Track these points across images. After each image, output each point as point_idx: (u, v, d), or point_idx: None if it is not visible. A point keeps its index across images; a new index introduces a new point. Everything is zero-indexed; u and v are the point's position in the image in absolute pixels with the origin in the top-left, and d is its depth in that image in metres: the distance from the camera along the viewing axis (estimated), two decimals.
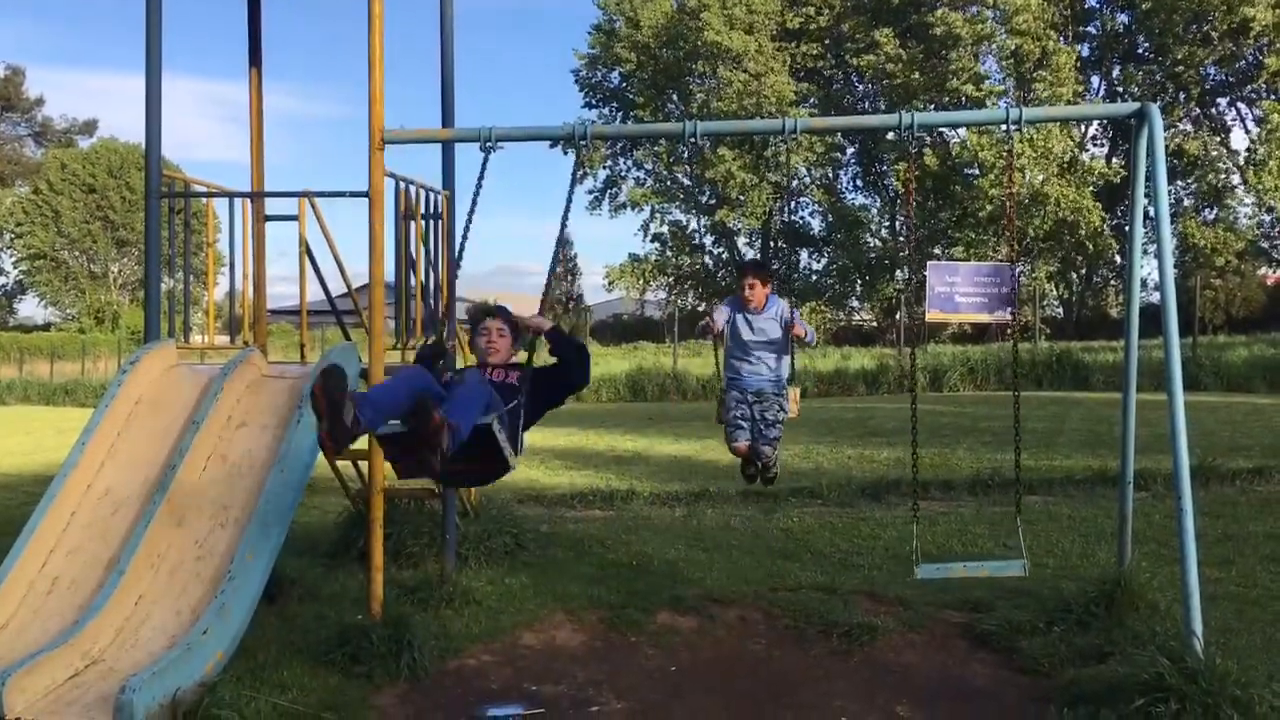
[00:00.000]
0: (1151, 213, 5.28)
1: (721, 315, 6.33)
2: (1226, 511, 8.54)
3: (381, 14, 5.72)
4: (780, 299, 6.40)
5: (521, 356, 5.06)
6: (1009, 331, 31.51)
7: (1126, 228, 5.65)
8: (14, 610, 4.87)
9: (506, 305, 5.33)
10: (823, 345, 39.29)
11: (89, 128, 48.72)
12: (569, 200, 5.50)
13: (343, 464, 7.27)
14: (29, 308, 72.81)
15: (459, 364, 6.42)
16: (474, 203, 5.34)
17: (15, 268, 67.96)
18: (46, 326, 65.44)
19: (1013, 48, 39.12)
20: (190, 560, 5.02)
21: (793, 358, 6.33)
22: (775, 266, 7.61)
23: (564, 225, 5.52)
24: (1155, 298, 5.22)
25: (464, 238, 5.34)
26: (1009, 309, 26.57)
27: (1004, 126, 5.24)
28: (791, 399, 6.27)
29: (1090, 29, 44.07)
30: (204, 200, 7.39)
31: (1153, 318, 5.24)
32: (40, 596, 4.96)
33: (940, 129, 38.94)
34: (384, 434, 4.39)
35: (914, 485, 5.77)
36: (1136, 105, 5.14)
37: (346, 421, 4.01)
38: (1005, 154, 6.05)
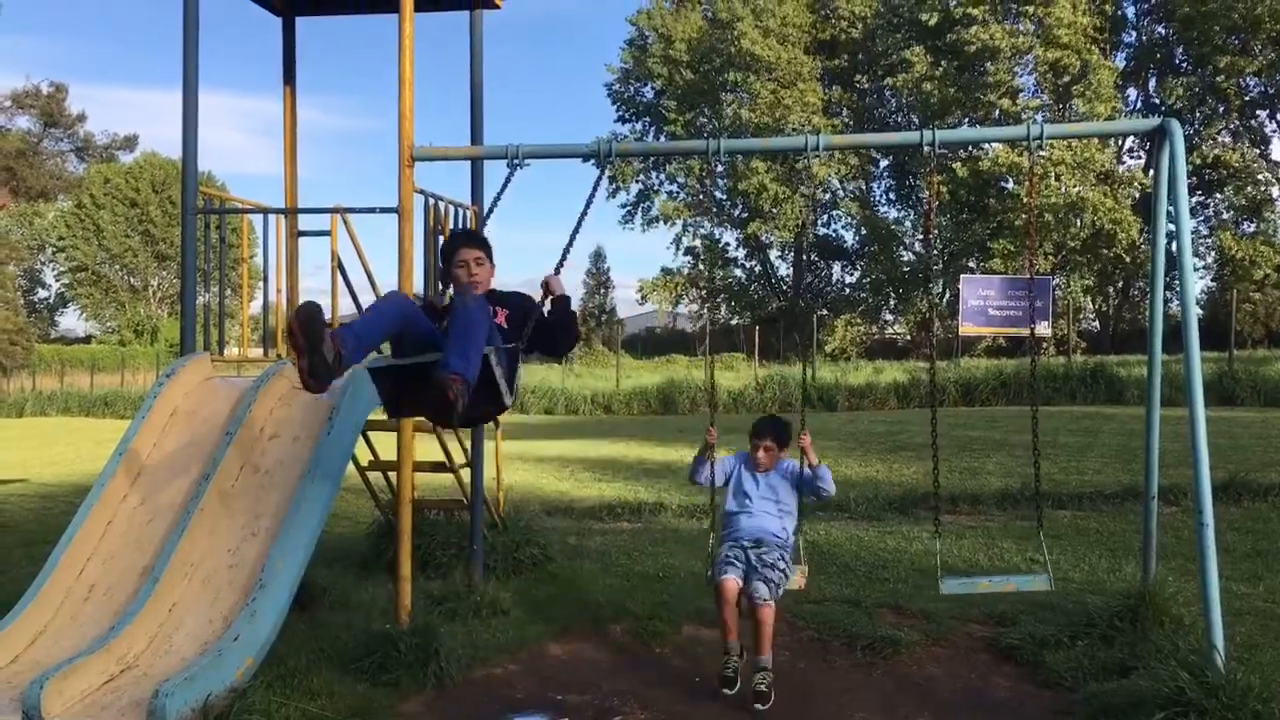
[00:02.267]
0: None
1: (722, 466, 5.73)
2: (1258, 527, 8.48)
3: (412, 34, 5.84)
4: (792, 459, 5.72)
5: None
6: (1042, 345, 31.33)
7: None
8: (52, 616, 5.00)
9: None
10: (855, 358, 39.22)
11: (130, 143, 49.48)
12: (589, 199, 5.34)
13: (373, 475, 7.39)
14: (70, 320, 73.93)
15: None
16: (489, 213, 5.42)
17: (57, 281, 69.12)
18: (87, 339, 66.45)
19: (1051, 61, 38.88)
20: (223, 568, 5.13)
21: (799, 537, 5.58)
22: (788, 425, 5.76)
23: (584, 213, 5.31)
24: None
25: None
26: (1044, 322, 26.56)
27: (1027, 142, 5.25)
28: (799, 573, 5.43)
29: (1126, 38, 43.81)
30: (240, 215, 7.55)
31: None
32: (78, 603, 5.08)
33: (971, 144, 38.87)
34: (377, 367, 4.24)
35: (935, 500, 5.75)
36: (1158, 121, 5.14)
37: (328, 357, 3.76)
38: (1029, 171, 6.03)
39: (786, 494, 5.61)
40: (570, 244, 5.23)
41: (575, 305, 5.12)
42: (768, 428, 5.75)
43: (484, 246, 4.97)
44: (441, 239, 6.84)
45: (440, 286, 5.35)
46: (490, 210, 5.45)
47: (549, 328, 4.84)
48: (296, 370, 3.81)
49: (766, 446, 5.67)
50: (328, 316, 4.38)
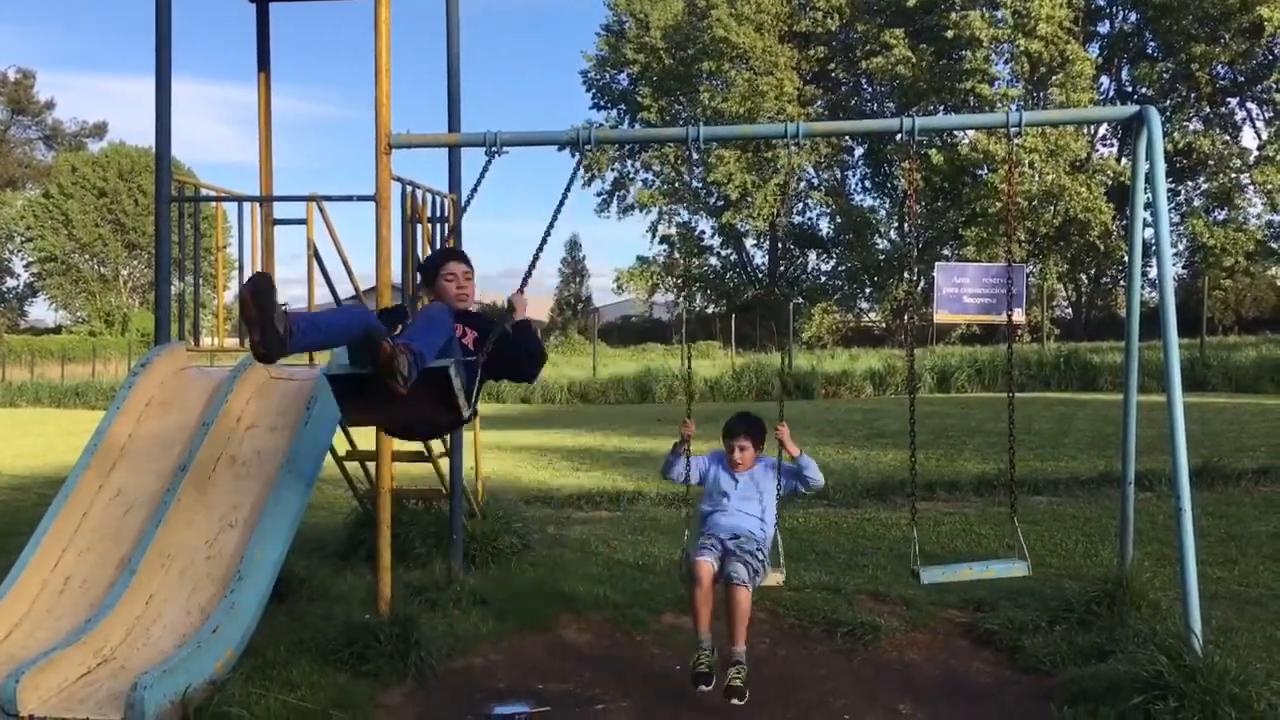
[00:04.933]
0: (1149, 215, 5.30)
1: (698, 465, 5.56)
2: (1231, 512, 8.57)
3: (388, 20, 5.78)
4: (770, 456, 5.56)
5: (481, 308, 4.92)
6: (1017, 331, 31.53)
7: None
8: (27, 609, 4.94)
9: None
10: (831, 346, 39.34)
11: (99, 131, 49.08)
12: (564, 195, 5.27)
13: (351, 465, 7.34)
14: (39, 310, 73.17)
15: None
16: (468, 202, 5.39)
17: (26, 271, 68.30)
18: (57, 329, 65.76)
19: (1028, 51, 39.02)
20: (200, 560, 5.09)
21: (778, 540, 5.45)
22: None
23: (556, 215, 5.30)
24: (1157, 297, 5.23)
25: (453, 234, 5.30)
26: (1016, 309, 26.72)
27: (1006, 130, 5.27)
28: (776, 574, 5.34)
29: (1099, 29, 44.07)
30: (213, 204, 7.47)
31: (1158, 318, 5.25)
32: (53, 595, 5.03)
33: (949, 131, 39.06)
34: (336, 374, 4.24)
35: (912, 490, 5.78)
36: (1136, 109, 5.17)
37: (279, 328, 3.71)
38: (1008, 158, 6.02)
39: (768, 492, 5.42)
40: (540, 250, 5.11)
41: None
42: (740, 427, 5.51)
43: (466, 259, 4.93)
44: (419, 228, 6.81)
45: (416, 293, 5.28)
46: (470, 198, 5.42)
47: (513, 352, 4.68)
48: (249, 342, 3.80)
49: (741, 446, 5.46)
50: (303, 306, 4.38)
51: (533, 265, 5.10)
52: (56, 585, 5.07)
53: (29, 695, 4.17)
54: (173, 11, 6.44)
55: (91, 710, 4.19)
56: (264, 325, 3.68)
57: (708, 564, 4.97)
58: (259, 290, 3.70)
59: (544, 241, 5.13)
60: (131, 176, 61.72)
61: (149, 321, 8.16)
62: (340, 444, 6.86)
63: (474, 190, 5.38)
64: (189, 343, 6.78)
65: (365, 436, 6.62)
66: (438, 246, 7.09)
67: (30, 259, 66.27)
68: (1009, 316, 5.98)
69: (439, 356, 4.17)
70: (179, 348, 6.30)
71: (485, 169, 5.35)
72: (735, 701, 4.72)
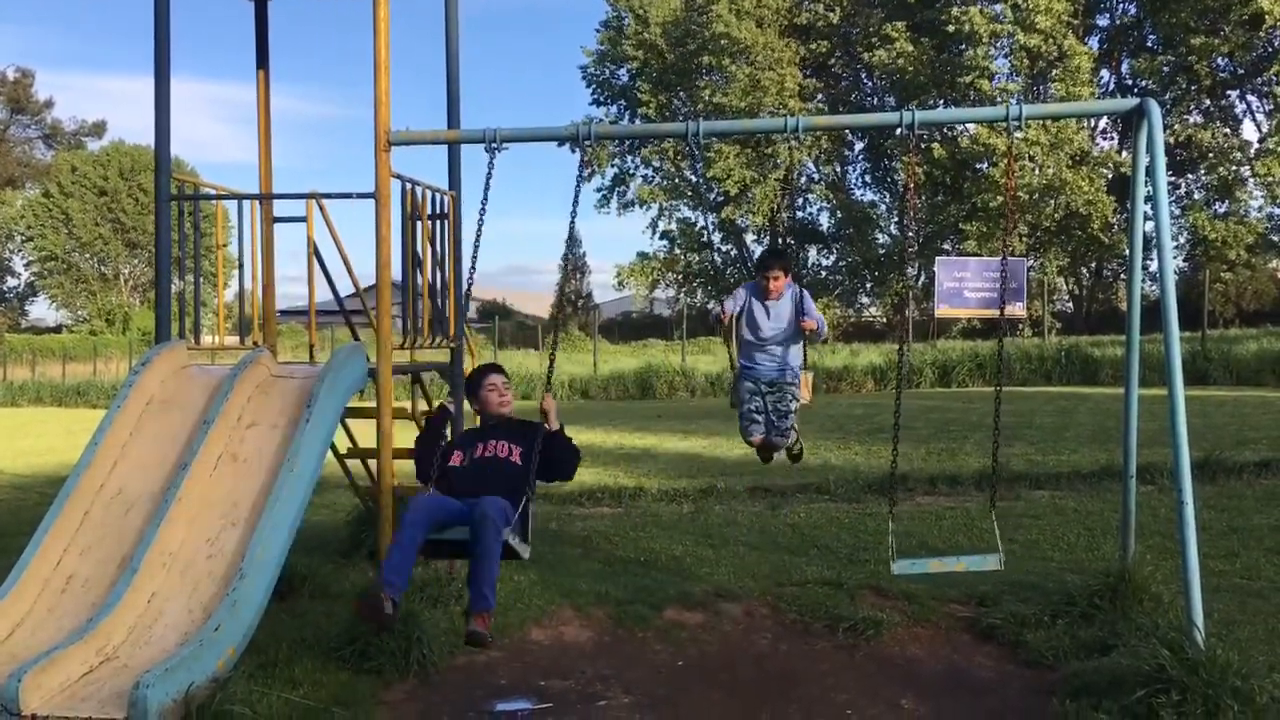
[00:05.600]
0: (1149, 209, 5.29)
1: (734, 303, 6.22)
2: (1232, 505, 8.57)
3: (387, 18, 5.77)
4: (795, 284, 6.29)
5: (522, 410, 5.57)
6: (1018, 326, 31.49)
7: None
8: (29, 608, 4.94)
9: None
10: (832, 341, 39.31)
11: (98, 130, 49.07)
12: (575, 202, 5.46)
13: (353, 462, 7.34)
14: (40, 310, 73.19)
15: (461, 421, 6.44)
16: (483, 206, 5.42)
17: (27, 270, 68.33)
18: (58, 329, 65.77)
19: (1028, 45, 38.96)
20: (202, 558, 5.08)
21: (805, 343, 6.30)
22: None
23: (572, 225, 5.55)
24: (1158, 291, 5.23)
25: (475, 244, 5.49)
26: (1018, 303, 26.65)
27: (1006, 123, 5.26)
28: (804, 384, 6.20)
29: (1099, 22, 43.98)
30: (214, 203, 7.47)
31: (1159, 311, 5.25)
32: (55, 594, 5.02)
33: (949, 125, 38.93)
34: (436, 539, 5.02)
35: (891, 480, 5.95)
36: (1136, 101, 5.16)
37: (387, 615, 4.62)
38: (1008, 151, 6.03)
39: (791, 319, 6.13)
40: (562, 286, 5.29)
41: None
42: (774, 258, 6.33)
43: (504, 372, 5.86)
44: (419, 226, 6.80)
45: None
46: (483, 204, 5.50)
47: (553, 460, 5.36)
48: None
49: (774, 276, 6.13)
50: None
51: (561, 293, 5.52)
52: (58, 584, 5.06)
53: (32, 694, 4.16)
54: (171, 10, 6.44)
55: (94, 709, 4.18)
56: (379, 625, 4.75)
57: (759, 438, 6.19)
58: (371, 618, 4.68)
59: (573, 219, 5.57)
60: (132, 175, 61.73)
61: (150, 320, 8.18)
62: (341, 442, 6.86)
63: (485, 191, 5.46)
64: (189, 341, 6.77)
65: (366, 434, 6.62)
66: (439, 244, 7.10)
67: (30, 258, 66.30)
68: (1001, 310, 6.02)
69: (441, 529, 4.93)
70: (179, 346, 6.29)
71: (490, 167, 5.39)
72: (797, 455, 6.62)
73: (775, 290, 6.14)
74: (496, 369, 5.85)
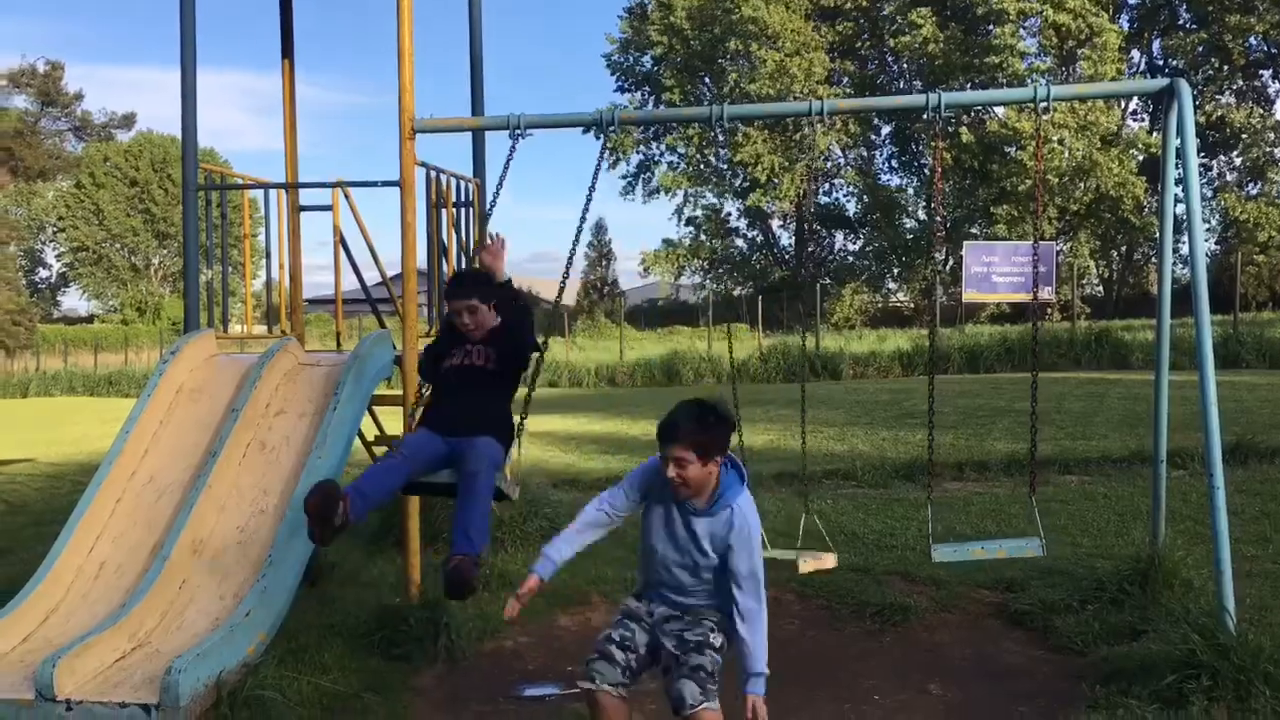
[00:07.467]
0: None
1: (622, 491, 3.87)
2: (1265, 489, 8.46)
3: (410, 7, 5.77)
4: (741, 494, 3.64)
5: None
6: (1047, 310, 31.23)
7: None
8: (63, 595, 5.01)
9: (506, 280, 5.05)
10: (859, 327, 39.12)
11: (128, 121, 49.39)
12: (593, 184, 5.36)
13: (380, 450, 7.37)
14: (72, 300, 73.98)
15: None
16: (497, 189, 5.40)
17: (58, 261, 69.03)
18: (90, 319, 66.46)
19: (1056, 23, 38.56)
20: (232, 545, 5.13)
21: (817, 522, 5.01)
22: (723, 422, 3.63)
23: (587, 206, 5.40)
24: (1189, 274, 5.17)
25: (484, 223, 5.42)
26: (1047, 288, 26.46)
27: (1034, 105, 5.21)
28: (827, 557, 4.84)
29: (1130, 0, 43.46)
30: (241, 192, 7.51)
31: (1190, 294, 5.19)
32: (88, 581, 5.09)
33: (976, 107, 38.61)
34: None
35: (929, 465, 5.81)
36: (1166, 82, 5.09)
37: (335, 523, 4.20)
38: (1036, 133, 5.94)
39: (719, 565, 3.65)
40: (570, 261, 5.43)
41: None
42: (678, 427, 3.54)
43: (477, 289, 4.87)
44: (444, 212, 6.81)
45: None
46: (498, 187, 5.43)
47: (509, 331, 4.86)
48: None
49: (677, 457, 3.51)
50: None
51: (567, 270, 5.43)
52: (91, 571, 5.13)
53: (66, 679, 4.22)
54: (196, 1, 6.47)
55: (127, 693, 4.23)
56: (323, 527, 4.18)
57: (610, 696, 3.56)
58: (321, 504, 4.15)
59: (588, 203, 5.36)
60: (162, 166, 62.19)
61: (180, 310, 8.25)
62: (369, 429, 6.90)
63: (503, 175, 5.41)
64: (218, 330, 6.83)
65: (394, 421, 6.65)
66: (463, 231, 7.11)
67: (62, 249, 66.98)
68: (1035, 295, 5.94)
69: (433, 469, 4.63)
70: (208, 335, 6.34)
71: (511, 153, 5.37)
72: None
73: (688, 485, 3.57)
74: (459, 289, 4.89)
